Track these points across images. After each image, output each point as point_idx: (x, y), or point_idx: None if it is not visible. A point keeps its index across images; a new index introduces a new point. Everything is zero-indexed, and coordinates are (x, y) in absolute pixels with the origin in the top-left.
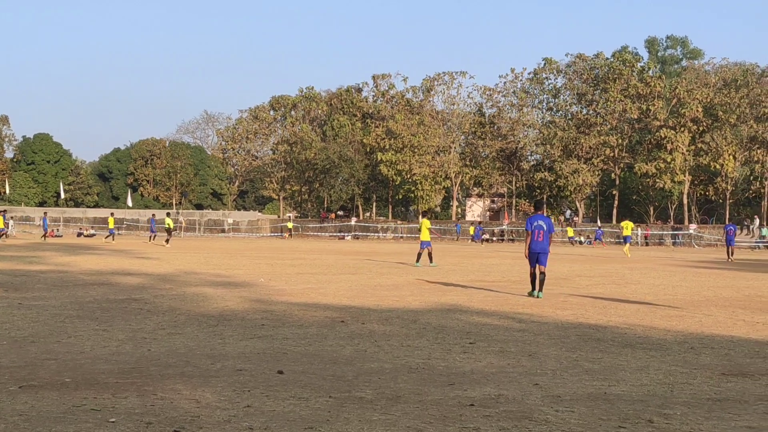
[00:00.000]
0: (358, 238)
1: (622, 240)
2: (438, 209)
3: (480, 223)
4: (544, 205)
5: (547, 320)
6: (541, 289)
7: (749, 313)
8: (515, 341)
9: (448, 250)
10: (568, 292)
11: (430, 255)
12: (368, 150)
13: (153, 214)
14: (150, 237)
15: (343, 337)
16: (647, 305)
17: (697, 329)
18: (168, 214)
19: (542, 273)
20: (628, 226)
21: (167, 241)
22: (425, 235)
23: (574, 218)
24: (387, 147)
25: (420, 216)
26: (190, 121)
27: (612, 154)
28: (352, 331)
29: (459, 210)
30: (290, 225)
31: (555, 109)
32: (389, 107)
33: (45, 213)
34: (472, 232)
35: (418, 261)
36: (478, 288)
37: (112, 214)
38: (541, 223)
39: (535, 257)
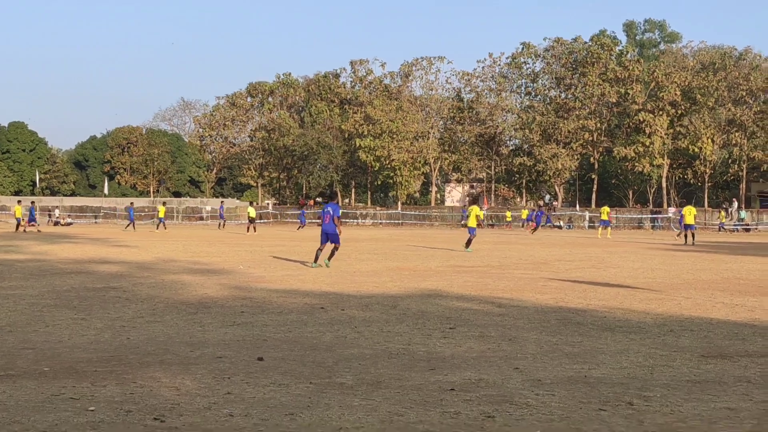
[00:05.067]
0: None
1: (599, 224)
2: (417, 195)
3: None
4: (337, 196)
5: (526, 305)
6: (329, 259)
7: (728, 295)
8: (495, 326)
9: (428, 236)
10: (548, 277)
11: (469, 241)
12: (346, 136)
13: (131, 203)
14: (128, 225)
15: (323, 324)
16: (627, 288)
17: (676, 312)
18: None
19: (335, 248)
20: (604, 211)
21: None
22: (473, 222)
23: (554, 203)
24: (365, 133)
25: (468, 203)
26: (167, 108)
27: (591, 138)
28: (332, 318)
29: (438, 196)
30: (252, 212)
31: (533, 93)
32: (367, 93)
33: (32, 203)
34: (524, 216)
35: (468, 246)
36: (458, 273)
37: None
38: (329, 209)
39: (326, 237)
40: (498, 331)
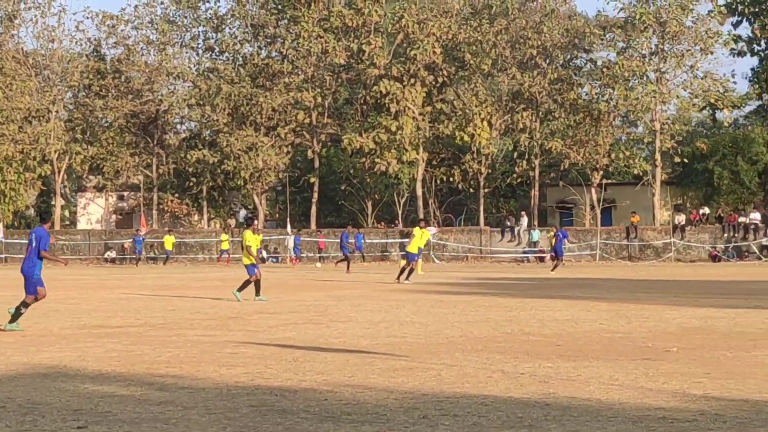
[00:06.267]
0: None
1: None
2: (31, 211)
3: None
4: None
5: (205, 384)
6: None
7: (511, 359)
8: (152, 421)
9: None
10: (241, 339)
11: (410, 271)
12: None
13: None
14: None
15: None
16: (361, 354)
17: (434, 387)
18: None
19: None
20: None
21: None
22: (413, 247)
23: (255, 221)
24: None
25: (413, 224)
26: None
27: (308, 120)
28: None
29: (68, 213)
30: None
31: (218, 49)
32: None
33: None
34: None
35: (408, 277)
36: (96, 338)
37: None
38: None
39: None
40: (155, 430)
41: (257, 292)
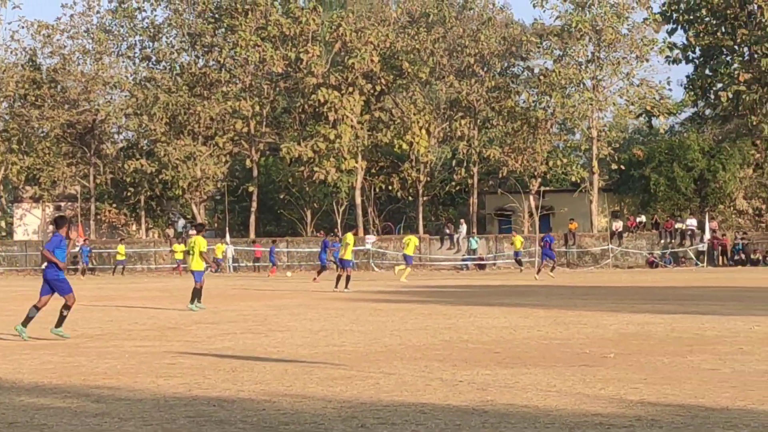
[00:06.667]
0: None
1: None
2: None
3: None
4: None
5: (142, 395)
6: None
7: (450, 367)
8: None
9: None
10: (179, 350)
11: (347, 278)
12: None
13: None
14: None
15: None
16: (299, 363)
17: (372, 396)
18: None
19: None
20: (410, 242)
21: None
22: (348, 254)
23: (190, 232)
24: None
25: (345, 231)
26: None
27: (246, 130)
28: None
29: (4, 224)
30: None
31: (155, 58)
32: None
33: None
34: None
35: (344, 285)
36: (31, 350)
37: None
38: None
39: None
40: None
41: (192, 300)
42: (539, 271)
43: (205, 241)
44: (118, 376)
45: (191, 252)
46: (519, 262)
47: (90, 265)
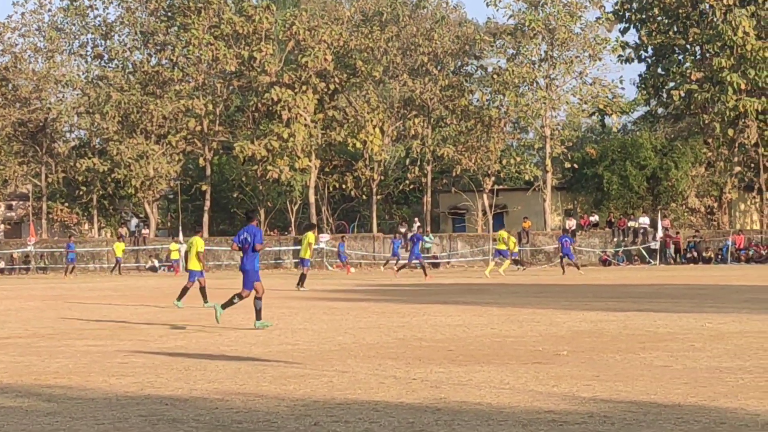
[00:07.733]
0: None
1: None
2: None
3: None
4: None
5: (94, 395)
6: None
7: (403, 365)
8: None
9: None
10: (131, 349)
11: (302, 277)
12: None
13: None
14: None
15: None
16: (253, 362)
17: (325, 394)
18: None
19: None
20: (503, 237)
21: None
22: (306, 252)
23: (143, 231)
24: None
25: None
26: None
27: (199, 128)
28: None
29: None
30: None
31: (107, 57)
32: None
33: None
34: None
35: (302, 284)
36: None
37: None
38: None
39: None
40: None
41: (179, 298)
42: (564, 270)
43: (203, 242)
44: (70, 376)
45: (189, 252)
46: (517, 262)
47: (42, 265)
